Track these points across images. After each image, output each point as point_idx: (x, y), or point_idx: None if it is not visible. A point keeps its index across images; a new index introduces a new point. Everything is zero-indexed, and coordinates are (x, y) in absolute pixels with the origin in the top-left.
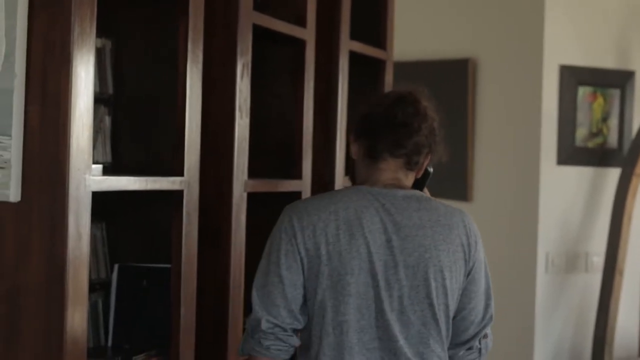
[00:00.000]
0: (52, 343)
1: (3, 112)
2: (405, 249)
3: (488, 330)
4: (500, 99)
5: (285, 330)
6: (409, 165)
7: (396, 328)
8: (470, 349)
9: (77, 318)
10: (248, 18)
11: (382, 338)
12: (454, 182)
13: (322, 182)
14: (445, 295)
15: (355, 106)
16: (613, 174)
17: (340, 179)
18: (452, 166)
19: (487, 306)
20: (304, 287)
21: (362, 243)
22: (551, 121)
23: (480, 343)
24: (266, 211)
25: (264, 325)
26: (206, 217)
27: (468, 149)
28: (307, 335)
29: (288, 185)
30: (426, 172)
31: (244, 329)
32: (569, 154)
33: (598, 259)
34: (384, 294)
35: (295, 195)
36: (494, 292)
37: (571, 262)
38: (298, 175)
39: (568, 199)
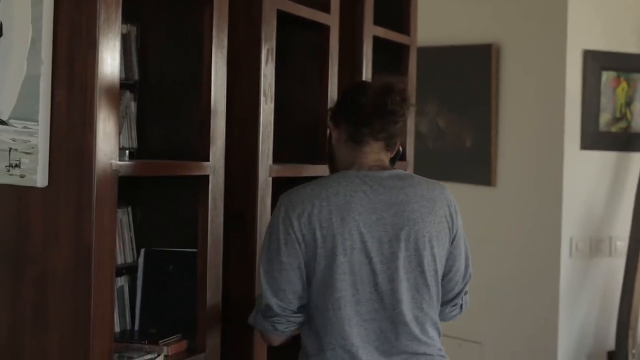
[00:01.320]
0: (79, 328)
1: (30, 98)
2: (396, 224)
3: (467, 288)
4: (523, 84)
5: (294, 311)
6: (389, 147)
7: (394, 297)
8: (454, 305)
9: (103, 303)
10: (272, 3)
11: (378, 309)
12: (478, 167)
13: None
14: (434, 262)
15: None
16: (637, 159)
17: None
18: (475, 151)
19: (466, 266)
20: (306, 268)
21: (353, 225)
22: (575, 106)
23: (462, 300)
24: None
25: (277, 309)
26: (232, 201)
27: (492, 134)
28: (310, 311)
29: (312, 170)
30: (398, 151)
31: None
32: (592, 139)
33: (622, 244)
34: (379, 268)
35: None
36: (518, 278)
37: (595, 246)
38: (322, 160)
39: (592, 183)
